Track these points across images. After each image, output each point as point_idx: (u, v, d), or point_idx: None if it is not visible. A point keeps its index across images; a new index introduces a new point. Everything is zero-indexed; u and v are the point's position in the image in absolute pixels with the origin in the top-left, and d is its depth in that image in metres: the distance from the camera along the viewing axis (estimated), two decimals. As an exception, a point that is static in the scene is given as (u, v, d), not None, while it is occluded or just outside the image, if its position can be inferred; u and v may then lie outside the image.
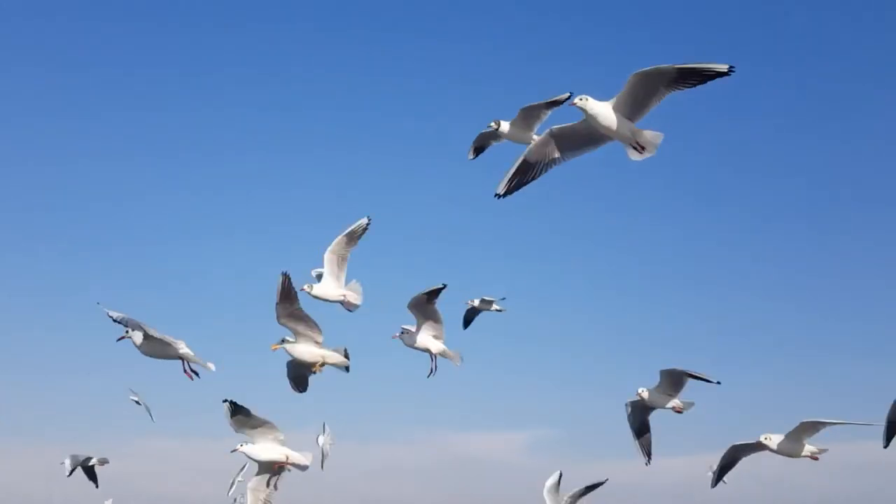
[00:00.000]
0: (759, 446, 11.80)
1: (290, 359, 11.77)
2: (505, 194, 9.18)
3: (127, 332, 10.39)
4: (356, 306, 12.45)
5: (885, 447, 11.67)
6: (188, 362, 10.63)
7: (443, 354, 12.35)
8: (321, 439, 15.06)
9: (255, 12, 40.34)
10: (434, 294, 11.87)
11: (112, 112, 38.57)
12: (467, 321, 15.55)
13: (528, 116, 11.73)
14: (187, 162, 38.18)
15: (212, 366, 10.66)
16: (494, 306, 15.32)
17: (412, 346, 12.24)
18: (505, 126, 11.96)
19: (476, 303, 15.26)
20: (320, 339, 11.53)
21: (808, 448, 11.63)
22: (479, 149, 12.91)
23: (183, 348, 10.49)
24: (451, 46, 40.41)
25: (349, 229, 12.12)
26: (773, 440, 11.60)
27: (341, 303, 12.34)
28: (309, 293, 11.85)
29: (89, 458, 16.58)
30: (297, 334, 11.37)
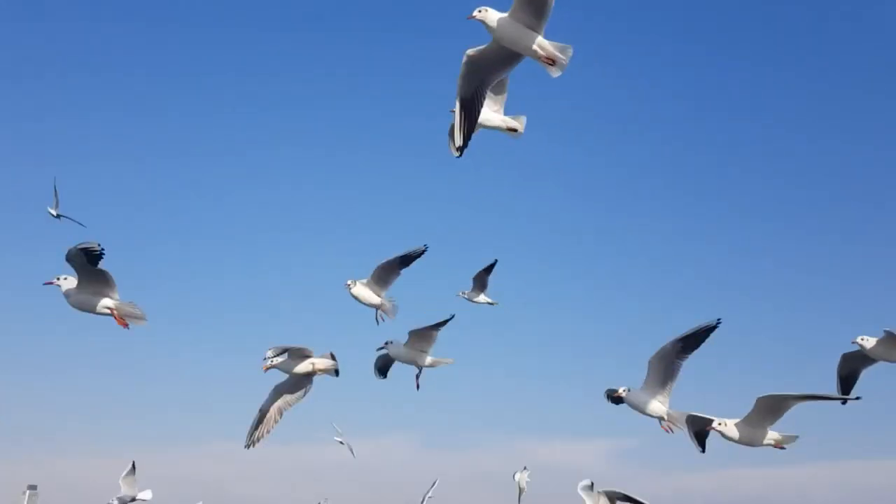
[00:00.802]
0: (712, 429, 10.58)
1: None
2: (463, 146, 8.92)
3: (58, 278, 10.07)
4: (386, 318, 13.30)
5: (844, 404, 11.16)
6: (119, 313, 10.27)
7: (432, 364, 12.71)
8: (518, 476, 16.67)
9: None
10: (442, 324, 12.57)
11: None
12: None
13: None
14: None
15: (144, 321, 10.36)
16: (485, 298, 15.48)
17: (397, 357, 12.63)
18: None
19: (467, 294, 15.50)
20: (310, 352, 11.87)
21: (772, 435, 10.49)
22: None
23: (111, 301, 10.18)
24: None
25: (405, 253, 12.78)
26: (729, 426, 10.46)
27: (376, 309, 13.18)
28: (349, 290, 12.72)
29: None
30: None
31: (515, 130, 10.44)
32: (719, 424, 10.52)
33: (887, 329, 11.36)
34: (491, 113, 10.25)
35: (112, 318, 10.25)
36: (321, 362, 11.84)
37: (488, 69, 8.63)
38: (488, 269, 15.42)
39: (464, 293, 15.49)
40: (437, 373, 12.65)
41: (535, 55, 8.44)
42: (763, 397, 10.27)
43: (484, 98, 8.82)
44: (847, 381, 11.93)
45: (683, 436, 10.87)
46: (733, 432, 10.43)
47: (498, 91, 10.29)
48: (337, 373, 11.93)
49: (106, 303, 10.19)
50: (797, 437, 10.62)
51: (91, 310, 10.20)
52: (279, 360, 11.41)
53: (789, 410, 10.35)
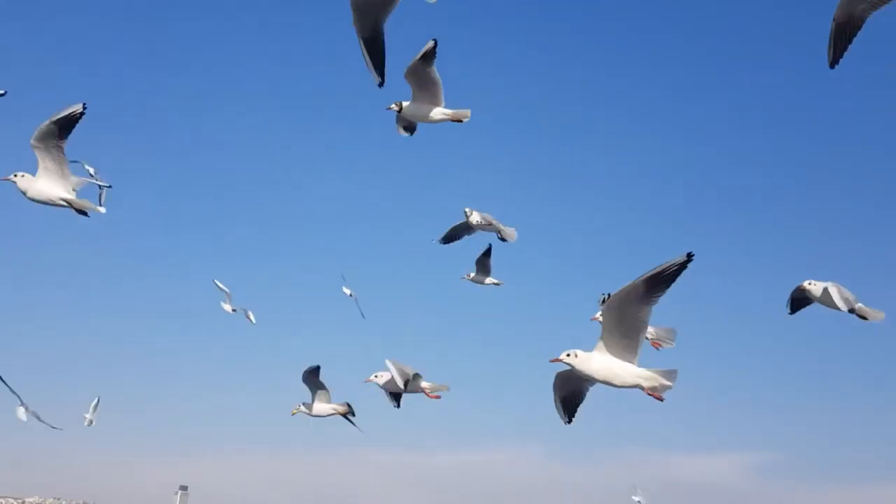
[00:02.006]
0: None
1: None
2: (381, 80, 9.57)
3: (15, 175, 10.38)
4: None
5: (685, 267, 7.70)
6: (74, 206, 10.58)
7: (426, 391, 11.48)
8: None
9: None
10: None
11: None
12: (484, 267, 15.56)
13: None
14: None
15: (102, 209, 10.82)
16: (491, 280, 15.34)
17: (385, 388, 11.73)
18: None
19: (472, 276, 15.38)
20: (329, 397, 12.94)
21: (640, 373, 8.24)
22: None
23: (66, 194, 10.44)
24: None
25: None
26: (580, 357, 8.16)
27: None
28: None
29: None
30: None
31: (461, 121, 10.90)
32: (567, 356, 8.21)
33: (827, 286, 11.03)
34: (431, 109, 10.74)
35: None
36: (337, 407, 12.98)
37: (378, 4, 9.01)
38: (486, 253, 15.31)
39: (469, 275, 15.39)
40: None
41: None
42: (607, 304, 8.13)
43: (383, 31, 9.23)
44: (797, 303, 11.66)
45: (827, 445, 8.88)
46: (586, 365, 8.18)
47: (430, 86, 10.63)
48: (353, 413, 12.96)
49: (63, 195, 10.47)
50: (675, 371, 8.31)
51: (50, 201, 10.51)
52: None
53: (644, 327, 8.11)
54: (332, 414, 12.75)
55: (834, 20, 8.47)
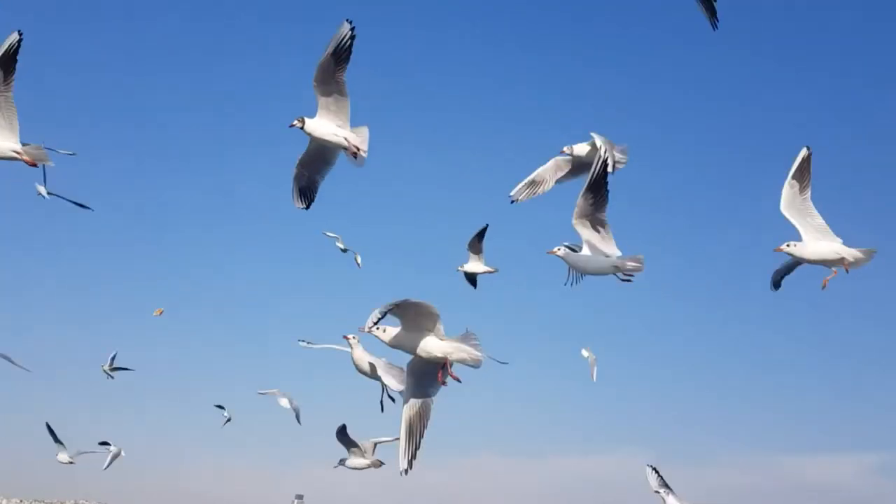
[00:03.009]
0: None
1: None
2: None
3: None
4: None
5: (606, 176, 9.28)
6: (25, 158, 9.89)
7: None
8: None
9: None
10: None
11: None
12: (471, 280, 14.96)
13: None
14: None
15: (50, 163, 10.31)
16: (484, 268, 14.88)
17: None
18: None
19: (467, 267, 14.85)
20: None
21: (613, 261, 9.45)
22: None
23: (16, 145, 9.75)
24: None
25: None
26: (561, 251, 9.67)
27: None
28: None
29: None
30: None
31: (356, 155, 9.77)
32: (559, 249, 9.55)
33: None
34: (333, 128, 9.56)
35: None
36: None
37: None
38: (480, 235, 14.53)
39: (462, 267, 14.76)
40: (668, 382, 11.28)
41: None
42: (574, 216, 9.28)
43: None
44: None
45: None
46: (574, 258, 9.50)
47: (339, 104, 9.40)
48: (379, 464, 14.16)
49: (13, 147, 9.77)
50: (641, 257, 9.35)
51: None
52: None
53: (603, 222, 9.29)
54: (368, 467, 14.05)
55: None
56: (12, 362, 13.94)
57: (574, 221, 9.39)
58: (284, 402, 15.97)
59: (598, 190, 9.20)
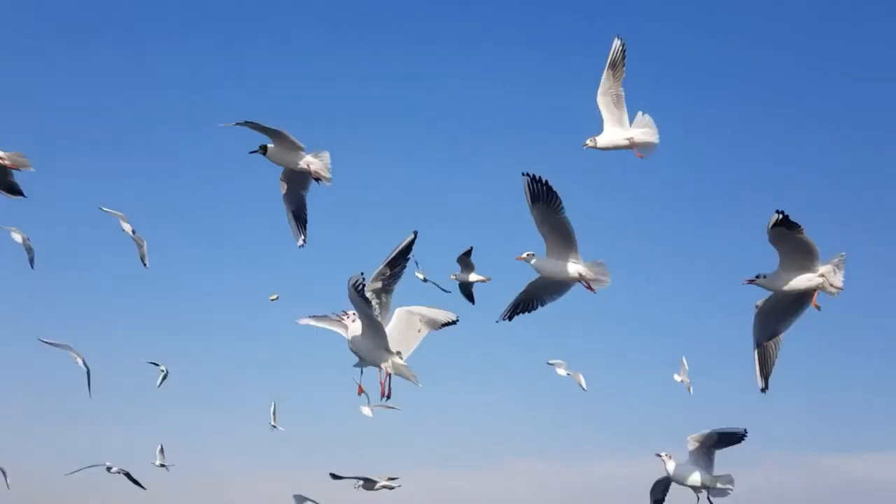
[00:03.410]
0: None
1: None
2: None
3: None
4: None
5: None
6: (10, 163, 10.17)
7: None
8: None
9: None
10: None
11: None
12: (467, 295, 14.42)
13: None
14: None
15: (32, 168, 10.34)
16: (476, 277, 14.21)
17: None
18: None
19: (459, 276, 14.25)
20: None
21: (576, 268, 9.30)
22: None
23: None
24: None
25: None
26: (535, 260, 9.49)
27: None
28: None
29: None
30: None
31: (318, 179, 10.43)
32: (526, 255, 9.38)
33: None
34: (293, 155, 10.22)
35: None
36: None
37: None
38: (467, 253, 14.15)
39: (455, 275, 14.38)
40: (706, 382, 11.00)
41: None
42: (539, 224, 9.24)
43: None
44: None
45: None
46: (541, 265, 9.35)
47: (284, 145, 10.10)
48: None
49: None
50: (604, 263, 9.35)
51: None
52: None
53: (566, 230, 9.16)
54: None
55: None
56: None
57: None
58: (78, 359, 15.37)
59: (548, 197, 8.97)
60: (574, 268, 9.32)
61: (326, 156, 10.24)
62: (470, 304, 14.41)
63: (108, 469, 16.53)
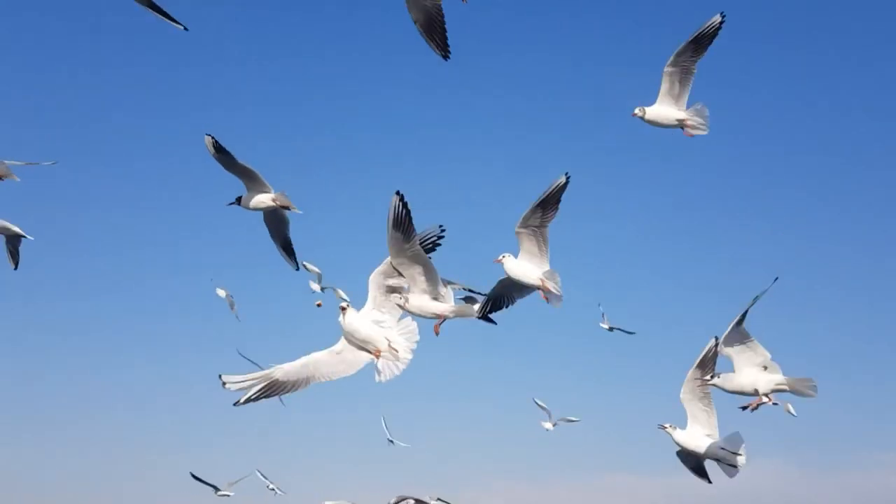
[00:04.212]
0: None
1: None
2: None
3: None
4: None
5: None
6: None
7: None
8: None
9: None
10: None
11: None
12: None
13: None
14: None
15: (15, 177, 11.17)
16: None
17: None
18: None
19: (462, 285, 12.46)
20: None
21: None
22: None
23: None
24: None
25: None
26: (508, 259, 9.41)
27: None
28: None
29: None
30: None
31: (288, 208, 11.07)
32: (503, 257, 9.48)
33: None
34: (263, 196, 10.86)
35: None
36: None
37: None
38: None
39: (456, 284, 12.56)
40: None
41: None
42: (519, 225, 9.36)
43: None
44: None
45: None
46: (512, 266, 9.41)
47: (254, 180, 10.68)
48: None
49: None
50: (555, 272, 9.39)
51: None
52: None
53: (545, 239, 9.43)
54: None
55: None
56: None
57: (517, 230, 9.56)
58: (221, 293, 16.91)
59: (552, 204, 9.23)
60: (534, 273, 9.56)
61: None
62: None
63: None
